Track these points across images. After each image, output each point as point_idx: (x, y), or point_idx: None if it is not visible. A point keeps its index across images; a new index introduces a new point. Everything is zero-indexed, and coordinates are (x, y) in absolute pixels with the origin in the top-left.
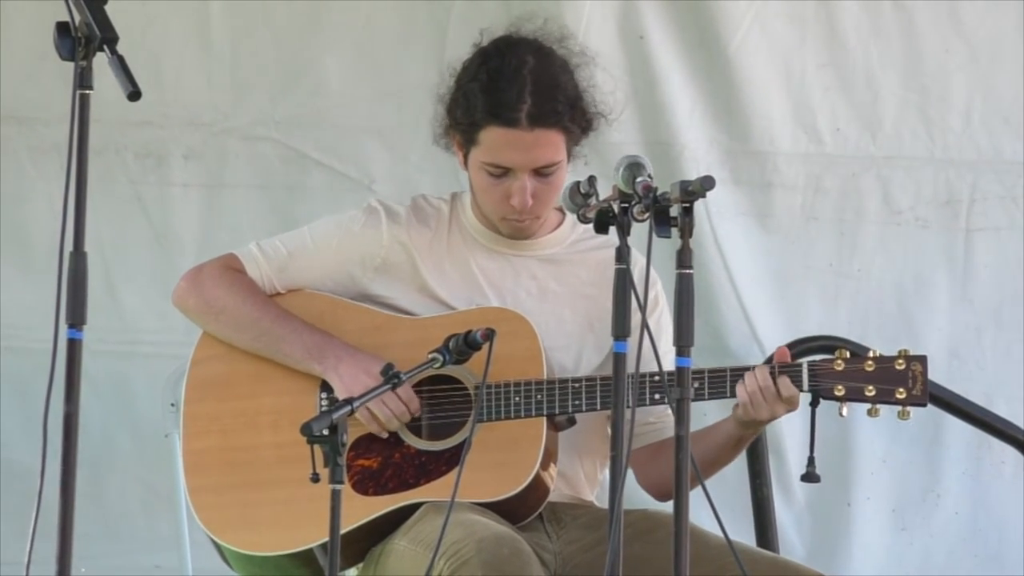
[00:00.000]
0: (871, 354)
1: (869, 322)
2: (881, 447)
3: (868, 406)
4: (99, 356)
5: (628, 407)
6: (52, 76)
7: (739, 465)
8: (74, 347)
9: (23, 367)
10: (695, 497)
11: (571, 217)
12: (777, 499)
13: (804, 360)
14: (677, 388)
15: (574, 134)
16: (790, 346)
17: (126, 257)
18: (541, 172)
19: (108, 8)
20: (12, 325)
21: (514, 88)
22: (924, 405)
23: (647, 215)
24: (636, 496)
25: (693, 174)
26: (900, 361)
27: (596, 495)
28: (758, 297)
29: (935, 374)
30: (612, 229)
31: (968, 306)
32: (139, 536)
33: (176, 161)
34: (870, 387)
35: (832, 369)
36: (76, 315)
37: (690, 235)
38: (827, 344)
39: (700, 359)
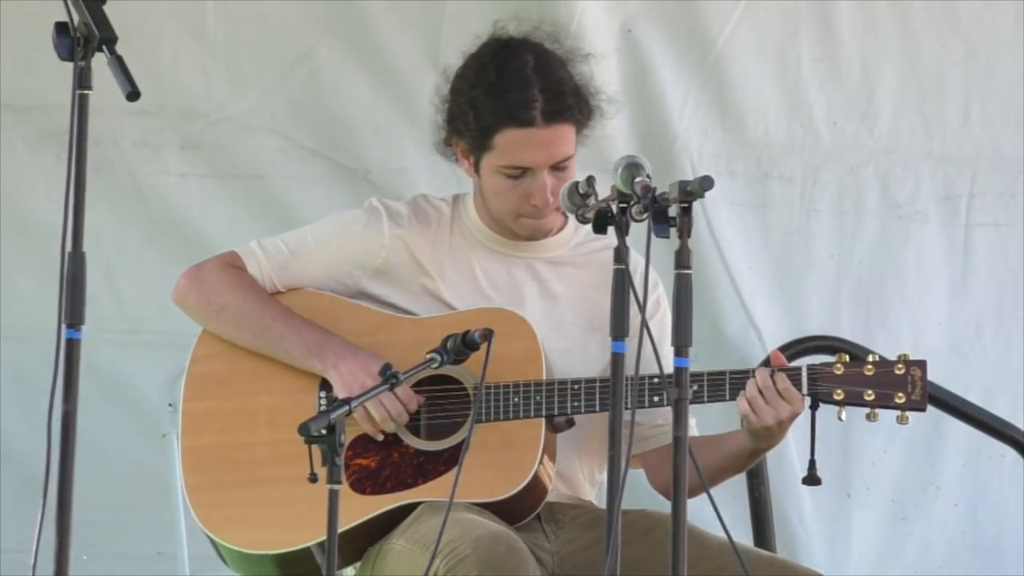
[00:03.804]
0: (871, 358)
1: (872, 314)
2: (882, 437)
3: (867, 410)
4: (99, 345)
5: (627, 408)
6: (49, 65)
7: None
8: (72, 347)
9: (23, 356)
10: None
11: (574, 219)
12: (776, 486)
13: (803, 364)
14: (675, 389)
15: (583, 125)
16: (789, 346)
17: (124, 247)
18: (557, 167)
19: None
20: (11, 314)
21: (523, 88)
22: (923, 410)
23: (645, 215)
24: (634, 496)
25: (686, 165)
26: (900, 366)
27: (595, 495)
28: (756, 286)
29: (936, 369)
30: (610, 229)
31: (968, 301)
32: (141, 523)
33: (173, 151)
34: (869, 391)
35: (832, 373)
36: (74, 315)
37: (688, 235)
38: (824, 344)
39: (697, 349)
